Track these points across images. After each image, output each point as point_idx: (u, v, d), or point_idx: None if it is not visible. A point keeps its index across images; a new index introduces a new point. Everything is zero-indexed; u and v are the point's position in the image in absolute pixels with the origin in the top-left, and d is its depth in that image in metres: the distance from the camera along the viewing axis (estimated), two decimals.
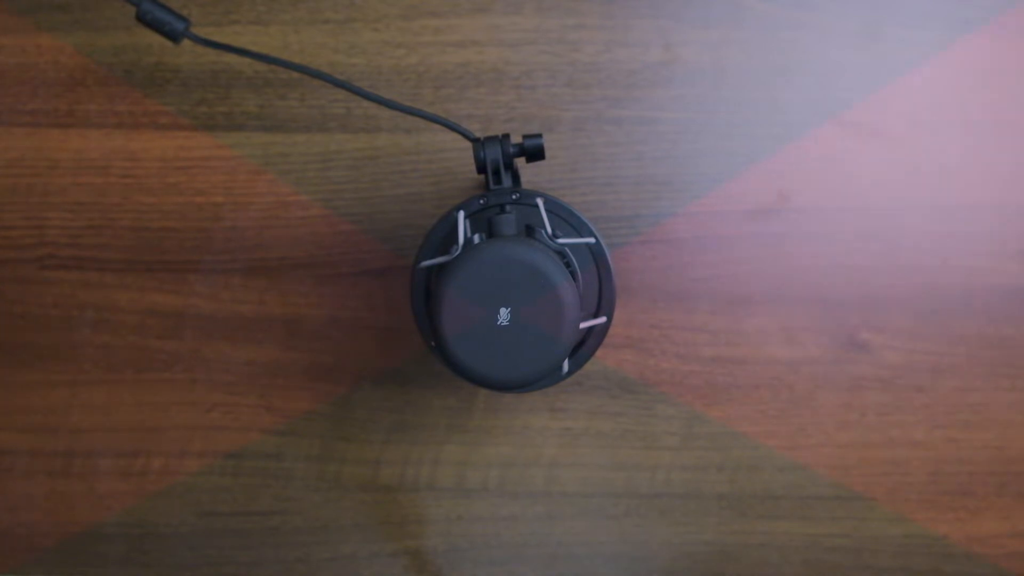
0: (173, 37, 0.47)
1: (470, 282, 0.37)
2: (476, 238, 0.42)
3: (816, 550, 0.55)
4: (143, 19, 0.47)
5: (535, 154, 0.46)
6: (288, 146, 0.54)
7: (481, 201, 0.45)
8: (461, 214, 0.42)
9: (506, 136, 0.46)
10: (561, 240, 0.43)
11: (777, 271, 0.54)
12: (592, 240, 0.45)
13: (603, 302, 0.46)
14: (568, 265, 0.45)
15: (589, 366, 0.55)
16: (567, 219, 0.46)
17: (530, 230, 0.44)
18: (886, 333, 0.54)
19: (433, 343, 0.45)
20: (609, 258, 0.46)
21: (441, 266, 0.41)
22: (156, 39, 0.54)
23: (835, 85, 0.54)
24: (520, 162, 0.53)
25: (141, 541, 0.56)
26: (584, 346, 0.46)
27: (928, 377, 0.54)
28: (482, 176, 0.47)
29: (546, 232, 0.43)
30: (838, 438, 0.55)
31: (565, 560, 0.56)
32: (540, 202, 0.44)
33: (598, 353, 0.48)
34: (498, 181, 0.46)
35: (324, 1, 0.54)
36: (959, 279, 0.54)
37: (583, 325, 0.42)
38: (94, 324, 0.55)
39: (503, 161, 0.46)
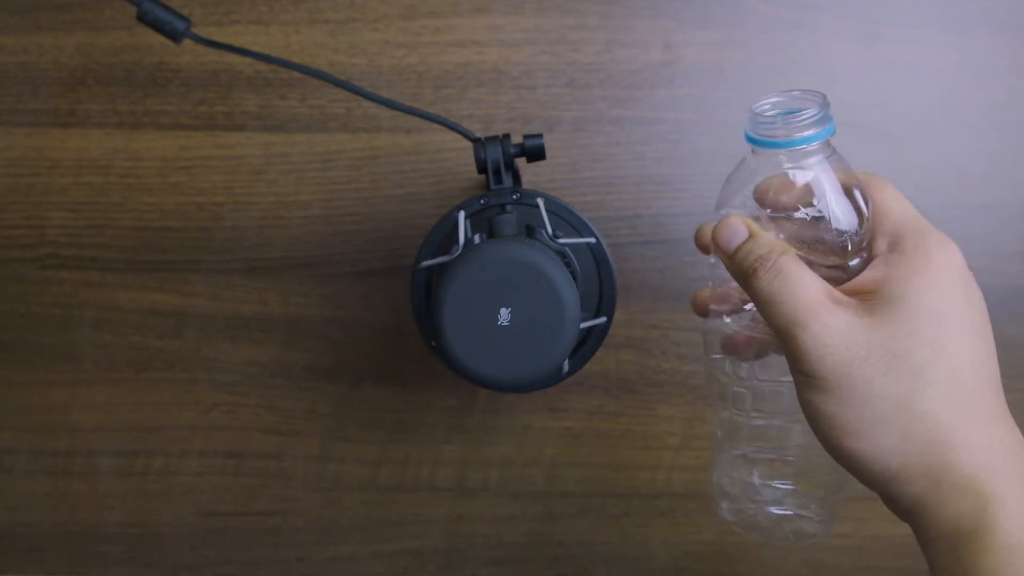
0: (174, 37, 0.47)
1: (470, 282, 0.37)
2: (477, 238, 0.42)
3: (816, 550, 0.55)
4: (144, 19, 0.47)
5: (535, 154, 0.46)
6: (288, 146, 0.54)
7: (482, 201, 0.45)
8: (462, 214, 0.42)
9: (506, 136, 0.46)
10: (562, 240, 0.43)
11: None
12: (593, 240, 0.45)
13: (603, 302, 0.46)
14: (568, 265, 0.45)
15: (589, 366, 0.55)
16: (568, 219, 0.46)
17: (530, 230, 0.44)
18: None
19: (433, 343, 0.45)
20: (610, 258, 0.46)
21: (441, 266, 0.41)
22: (157, 39, 0.54)
23: (835, 85, 0.54)
24: (521, 162, 0.53)
25: (141, 541, 0.56)
26: (584, 346, 0.46)
27: None
28: (482, 176, 0.47)
29: (546, 232, 0.43)
30: None
31: (565, 560, 0.56)
32: (540, 202, 0.44)
33: (598, 353, 0.48)
34: (499, 181, 0.46)
35: (325, 1, 0.54)
36: None
37: (583, 325, 0.42)
38: (95, 324, 0.55)
39: (503, 161, 0.46)
